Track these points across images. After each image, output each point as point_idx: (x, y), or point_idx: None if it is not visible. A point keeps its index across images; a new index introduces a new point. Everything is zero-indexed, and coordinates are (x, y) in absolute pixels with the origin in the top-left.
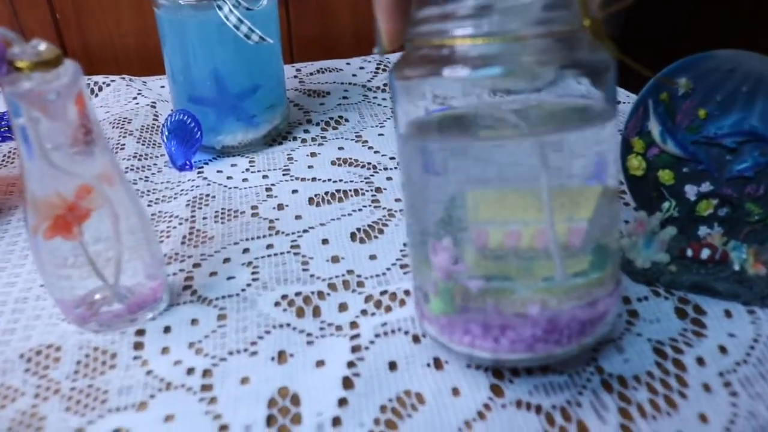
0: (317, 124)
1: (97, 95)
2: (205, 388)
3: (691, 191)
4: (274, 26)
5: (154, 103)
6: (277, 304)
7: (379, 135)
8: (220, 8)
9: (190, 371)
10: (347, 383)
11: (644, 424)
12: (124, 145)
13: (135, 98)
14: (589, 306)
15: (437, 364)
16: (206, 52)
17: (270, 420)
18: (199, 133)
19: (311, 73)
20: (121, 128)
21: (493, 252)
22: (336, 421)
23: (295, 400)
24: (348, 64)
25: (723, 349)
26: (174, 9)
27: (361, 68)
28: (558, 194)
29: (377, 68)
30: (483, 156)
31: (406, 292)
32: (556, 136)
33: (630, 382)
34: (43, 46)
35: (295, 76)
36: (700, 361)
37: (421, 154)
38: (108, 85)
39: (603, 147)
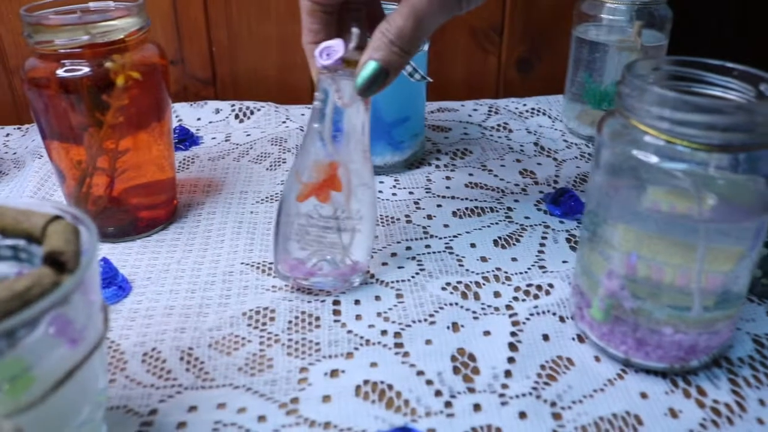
0: (446, 154)
1: (249, 117)
2: (398, 345)
3: None
4: (425, 66)
5: (302, 127)
6: (443, 288)
7: (501, 165)
8: None
9: (384, 332)
10: (512, 347)
11: (749, 391)
12: (285, 159)
13: (284, 122)
14: (716, 333)
15: (580, 338)
16: None
17: (455, 370)
18: None
19: (432, 111)
20: (280, 146)
21: (641, 279)
22: (507, 373)
23: (472, 357)
24: (462, 105)
25: None
26: None
27: (474, 110)
28: (708, 249)
29: (489, 111)
30: (652, 207)
31: (550, 285)
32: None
33: (735, 362)
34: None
35: None
36: None
37: (610, 185)
38: (258, 110)
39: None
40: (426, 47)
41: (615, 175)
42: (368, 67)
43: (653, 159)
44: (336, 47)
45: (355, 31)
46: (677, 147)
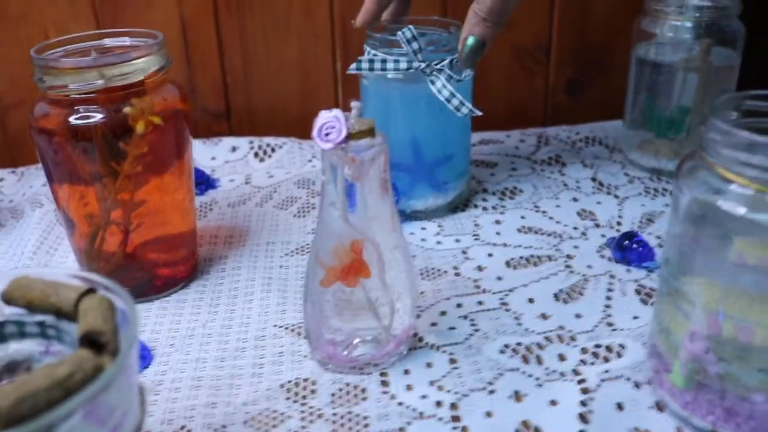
0: (494, 194)
1: (270, 156)
2: (455, 419)
3: None
4: (469, 98)
5: None
6: (501, 351)
7: (557, 206)
8: (433, 83)
9: (438, 404)
10: (583, 418)
11: None
12: (314, 205)
13: (310, 161)
14: None
15: (659, 407)
16: (408, 122)
17: None
18: (396, 198)
19: (474, 144)
20: (307, 189)
21: (727, 341)
22: None
23: (538, 431)
24: (508, 136)
25: None
26: (382, 82)
27: (522, 141)
28: None
29: (538, 141)
30: (739, 261)
31: (621, 346)
32: None
33: None
34: (357, 117)
35: None
36: None
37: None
38: (280, 147)
39: None
40: (470, 75)
41: (696, 225)
42: (468, 43)
43: (740, 210)
44: (335, 125)
45: (355, 104)
46: (767, 197)
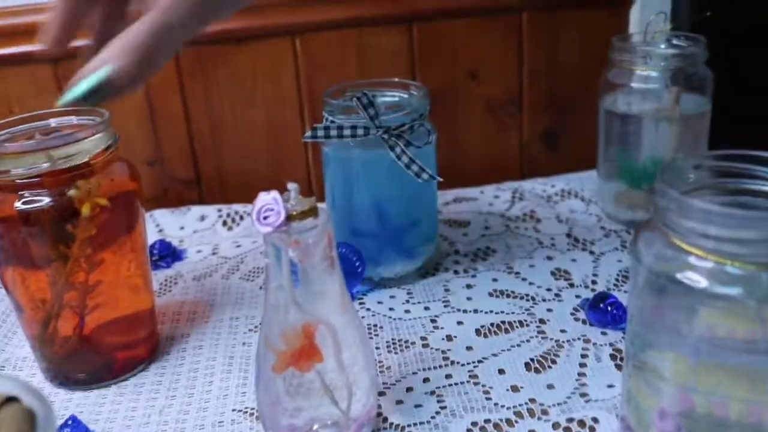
0: (466, 255)
1: (238, 224)
2: None
3: None
4: (433, 162)
5: None
6: (469, 430)
7: (530, 266)
8: (392, 148)
9: None
10: None
11: None
12: None
13: None
14: None
15: None
16: (371, 187)
17: None
18: (361, 267)
19: (447, 203)
20: None
21: (701, 417)
22: None
23: None
24: (482, 192)
25: None
26: (343, 148)
27: (496, 197)
28: None
29: (513, 197)
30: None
31: (594, 420)
32: None
33: None
34: (299, 197)
35: None
36: None
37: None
38: (249, 214)
39: None
40: (433, 139)
41: (658, 297)
42: (93, 77)
43: (702, 283)
44: (274, 207)
45: (292, 185)
46: (727, 268)
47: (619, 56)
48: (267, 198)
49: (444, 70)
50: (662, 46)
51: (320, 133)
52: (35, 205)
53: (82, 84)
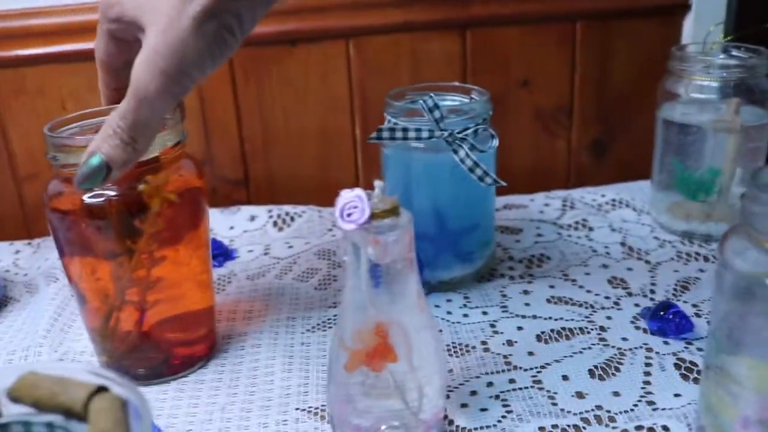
0: (521, 261)
1: (289, 225)
2: None
3: None
4: (493, 167)
5: None
6: None
7: (586, 274)
8: (456, 152)
9: None
10: None
11: None
12: (335, 277)
13: (331, 230)
14: None
15: None
16: (431, 190)
17: None
18: (421, 268)
19: (497, 209)
20: (328, 260)
21: None
22: None
23: None
24: (532, 200)
25: None
26: (404, 150)
27: (546, 205)
28: None
29: (563, 205)
30: None
31: (665, 428)
32: None
33: None
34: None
35: None
36: None
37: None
38: (299, 215)
39: None
40: (495, 144)
41: (745, 303)
42: (91, 162)
43: None
44: (358, 205)
45: (378, 183)
46: None
47: (679, 65)
48: (351, 195)
49: (496, 77)
50: (721, 56)
51: (385, 134)
52: (103, 198)
53: (82, 170)
